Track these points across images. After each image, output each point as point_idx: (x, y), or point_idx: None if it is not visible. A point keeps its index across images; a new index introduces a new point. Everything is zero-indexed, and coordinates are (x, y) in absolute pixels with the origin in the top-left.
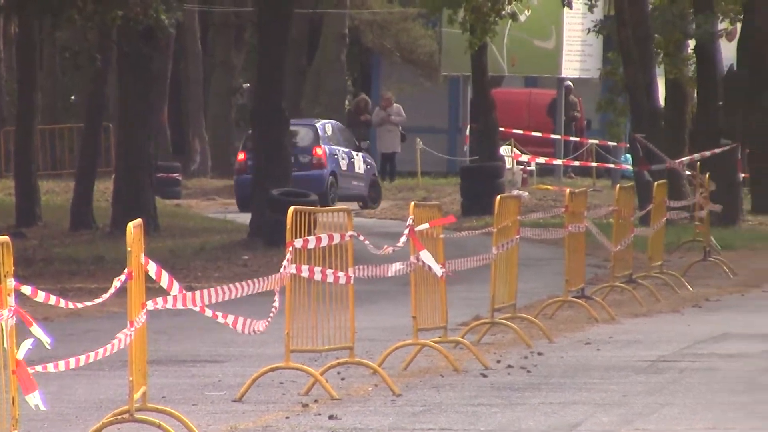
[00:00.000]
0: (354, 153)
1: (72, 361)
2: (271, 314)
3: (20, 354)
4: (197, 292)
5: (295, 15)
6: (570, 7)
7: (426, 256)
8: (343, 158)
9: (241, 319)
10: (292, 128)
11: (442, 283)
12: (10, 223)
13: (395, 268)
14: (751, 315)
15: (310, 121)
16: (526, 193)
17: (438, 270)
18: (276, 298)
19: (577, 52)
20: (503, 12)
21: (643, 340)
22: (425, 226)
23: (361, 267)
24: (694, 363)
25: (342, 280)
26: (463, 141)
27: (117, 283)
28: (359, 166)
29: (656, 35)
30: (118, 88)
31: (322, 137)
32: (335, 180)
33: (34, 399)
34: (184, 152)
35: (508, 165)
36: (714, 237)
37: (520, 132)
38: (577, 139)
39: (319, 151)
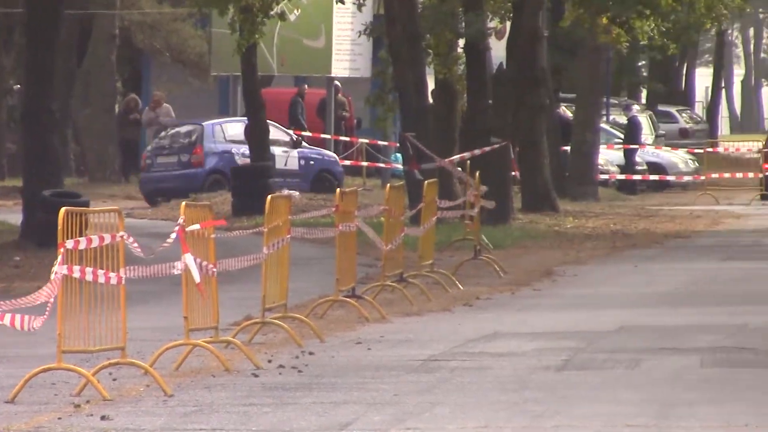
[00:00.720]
0: (289, 151)
1: None
2: (47, 312)
3: None
4: None
5: (64, 16)
6: (342, 2)
7: (189, 260)
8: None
9: (18, 317)
10: (178, 129)
11: (214, 283)
12: None
13: (172, 268)
14: (522, 313)
15: (199, 121)
16: (297, 193)
17: (197, 276)
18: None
19: (347, 52)
20: (272, 12)
21: (414, 339)
22: (196, 226)
23: (133, 267)
24: (465, 362)
25: (113, 281)
26: None
27: None
28: (292, 164)
29: (427, 34)
30: None
31: (209, 136)
32: (223, 177)
33: None
34: None
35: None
36: (485, 235)
37: (291, 132)
38: (348, 138)
39: (198, 150)
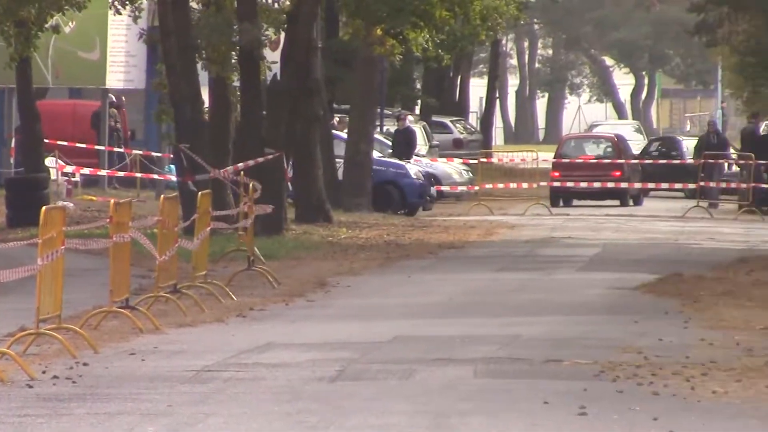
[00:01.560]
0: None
1: None
2: None
3: None
4: None
5: None
6: (119, 12)
7: None
8: None
9: None
10: None
11: None
12: None
13: None
14: (295, 324)
15: None
16: (72, 204)
17: None
18: None
19: (122, 63)
20: (46, 25)
21: (188, 350)
22: None
23: None
24: (239, 373)
25: None
26: (9, 153)
27: None
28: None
29: (202, 44)
30: None
31: None
32: None
33: None
34: None
35: (53, 176)
36: (258, 247)
37: (65, 143)
38: (122, 150)
39: None
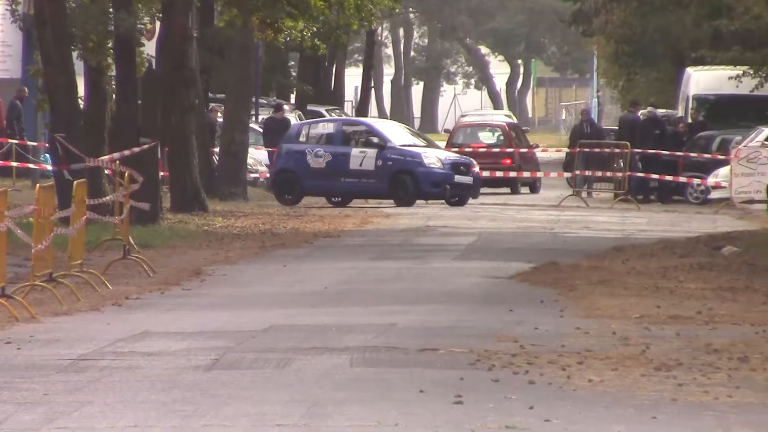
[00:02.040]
0: (366, 151)
1: None
2: None
3: None
4: None
5: None
6: None
7: None
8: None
9: None
10: None
11: None
12: None
13: None
14: (171, 313)
15: None
16: None
17: None
18: None
19: None
20: None
21: (64, 338)
22: None
23: None
24: (115, 361)
25: None
26: None
27: None
28: (367, 164)
29: (78, 34)
30: None
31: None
32: None
33: None
34: None
35: None
36: (133, 236)
37: None
38: None
39: None
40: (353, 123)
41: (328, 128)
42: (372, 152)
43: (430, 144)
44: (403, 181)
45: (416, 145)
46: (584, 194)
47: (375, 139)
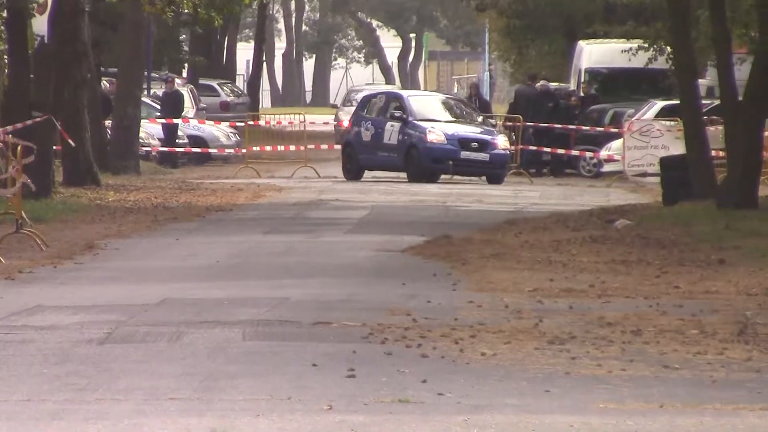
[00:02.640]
0: (395, 125)
1: None
2: None
3: None
4: None
5: None
6: None
7: None
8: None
9: None
10: None
11: None
12: None
13: None
14: (64, 287)
15: None
16: None
17: None
18: None
19: None
20: None
21: None
22: None
23: None
24: (8, 335)
25: None
26: None
27: None
28: (393, 138)
29: None
30: None
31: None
32: None
33: None
34: None
35: None
36: (26, 209)
37: None
38: None
39: None
40: (393, 96)
41: (380, 102)
42: (397, 126)
43: (468, 118)
44: (412, 156)
45: (436, 120)
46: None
47: (401, 113)
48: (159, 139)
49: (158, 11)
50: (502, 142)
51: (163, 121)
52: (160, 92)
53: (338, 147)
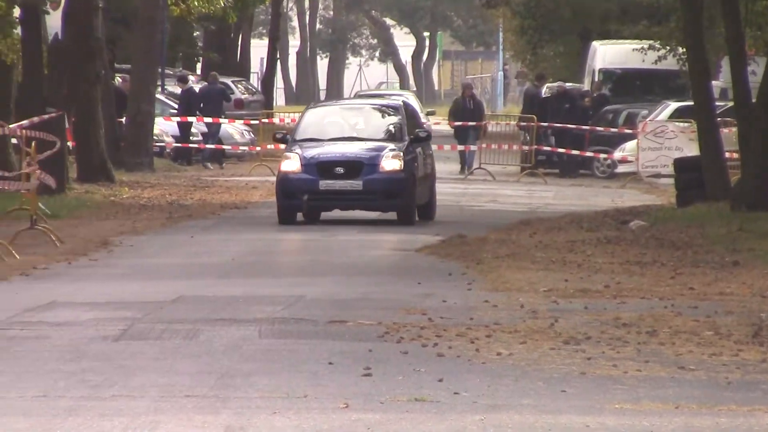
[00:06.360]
0: None
1: None
2: None
3: None
4: None
5: None
6: None
7: None
8: None
9: None
10: None
11: None
12: None
13: None
14: (79, 283)
15: None
16: None
17: None
18: None
19: None
20: None
21: None
22: None
23: None
24: (23, 331)
25: None
26: None
27: None
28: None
29: None
30: None
31: None
32: None
33: None
34: None
35: None
36: (41, 205)
37: None
38: None
39: None
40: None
41: None
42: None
43: (387, 132)
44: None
45: (318, 139)
46: (463, 171)
47: (283, 133)
48: (173, 136)
49: (184, 13)
50: (390, 162)
51: (206, 119)
52: (172, 90)
53: None
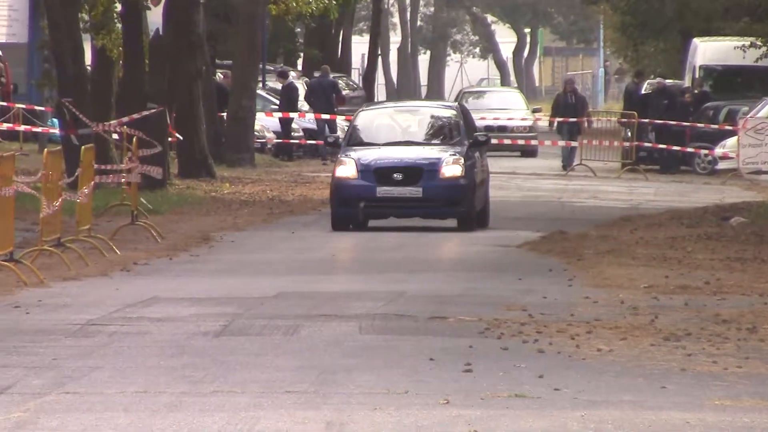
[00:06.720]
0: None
1: None
2: None
3: None
4: None
5: None
6: None
7: None
8: None
9: None
10: None
11: None
12: None
13: None
14: (180, 279)
15: None
16: None
17: None
18: None
19: (4, 17)
20: None
21: (73, 303)
22: None
23: None
24: (124, 327)
25: None
26: None
27: None
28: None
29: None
30: None
31: None
32: None
33: None
34: None
35: None
36: (143, 200)
37: None
38: (5, 103)
39: None
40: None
41: None
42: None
43: (443, 137)
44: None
45: (375, 144)
46: (564, 168)
47: (335, 137)
48: (275, 132)
49: (282, 12)
50: (451, 168)
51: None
52: (273, 85)
53: None
